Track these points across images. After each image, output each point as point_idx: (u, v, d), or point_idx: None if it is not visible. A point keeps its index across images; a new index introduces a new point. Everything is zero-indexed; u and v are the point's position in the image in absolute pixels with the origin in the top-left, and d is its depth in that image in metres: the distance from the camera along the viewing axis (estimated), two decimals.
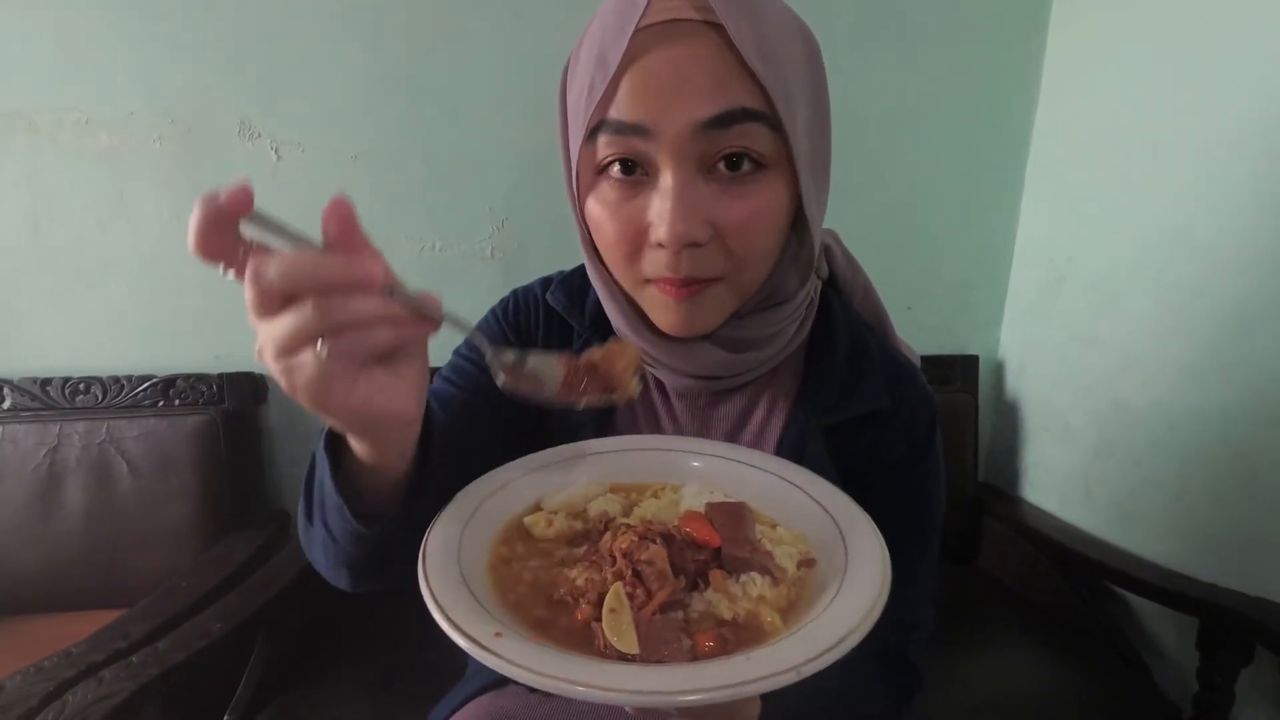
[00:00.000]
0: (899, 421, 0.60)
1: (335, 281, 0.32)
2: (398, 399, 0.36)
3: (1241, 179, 1.07)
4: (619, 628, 0.34)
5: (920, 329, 1.58)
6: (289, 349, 0.33)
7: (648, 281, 0.53)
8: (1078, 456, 1.40)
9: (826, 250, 0.67)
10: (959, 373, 1.56)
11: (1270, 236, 1.04)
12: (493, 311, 0.69)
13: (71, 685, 0.82)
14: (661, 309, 0.54)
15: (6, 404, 1.28)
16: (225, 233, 0.31)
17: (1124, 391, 1.29)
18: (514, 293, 0.69)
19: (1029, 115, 1.51)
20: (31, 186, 1.28)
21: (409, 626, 1.15)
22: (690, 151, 0.47)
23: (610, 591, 0.36)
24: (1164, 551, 1.21)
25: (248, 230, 0.32)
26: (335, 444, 0.43)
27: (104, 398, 1.31)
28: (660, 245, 0.49)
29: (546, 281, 0.69)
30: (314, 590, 1.08)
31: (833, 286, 0.68)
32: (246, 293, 0.32)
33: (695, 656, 0.35)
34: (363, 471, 0.43)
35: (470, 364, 0.63)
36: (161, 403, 1.32)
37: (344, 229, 0.34)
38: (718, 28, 0.45)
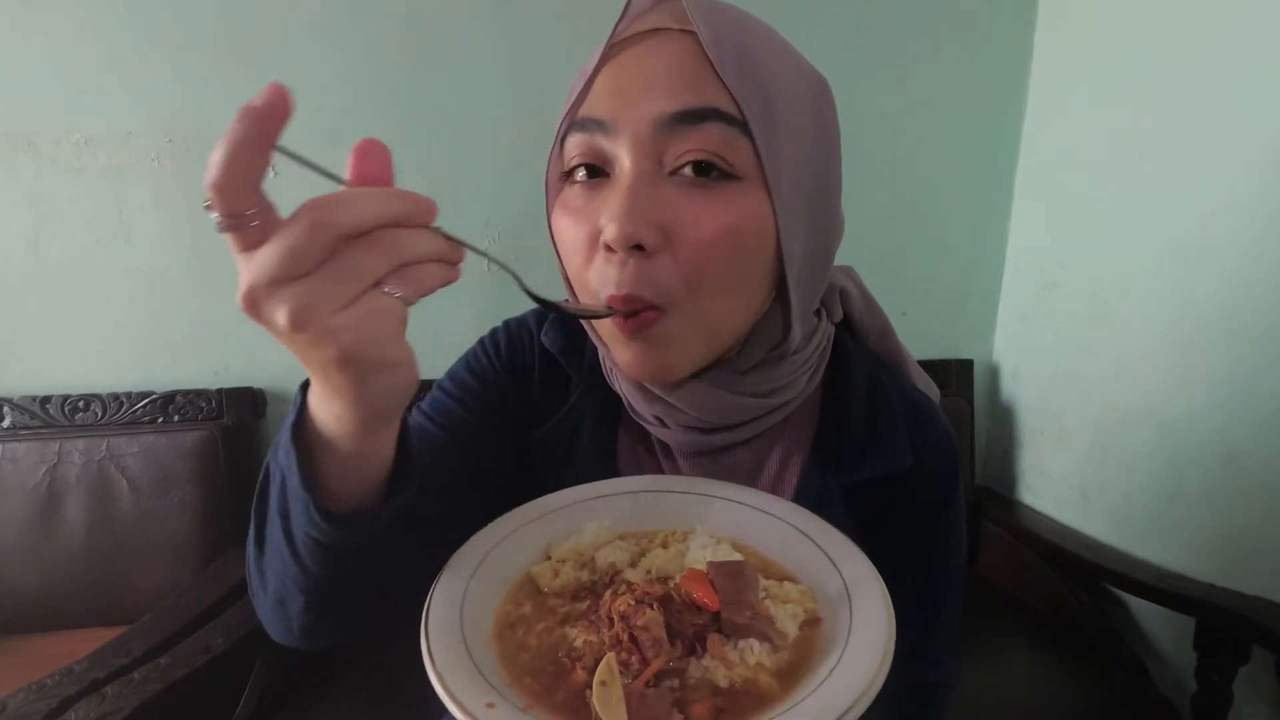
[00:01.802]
0: (920, 471, 0.56)
1: (409, 217, 0.30)
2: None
3: (1231, 186, 1.09)
4: (609, 702, 0.34)
5: (915, 335, 1.58)
6: (351, 296, 0.30)
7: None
8: (1073, 460, 1.42)
9: (842, 292, 0.61)
10: (954, 377, 1.57)
11: (1260, 242, 1.05)
12: (481, 344, 0.61)
13: (74, 702, 0.82)
14: (617, 345, 0.49)
15: (6, 422, 1.28)
16: (260, 156, 0.28)
17: (1117, 395, 1.30)
18: (505, 324, 0.62)
19: (1018, 122, 1.53)
20: (32, 206, 1.29)
21: (408, 641, 1.15)
22: (651, 149, 0.44)
23: (603, 663, 0.36)
24: (1160, 553, 1.22)
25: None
26: (300, 438, 0.38)
27: (103, 415, 1.31)
28: (609, 249, 0.44)
29: (541, 315, 0.61)
30: None
31: (846, 330, 0.63)
32: (293, 238, 0.28)
33: None
34: (335, 467, 0.38)
35: (454, 401, 0.57)
36: (161, 419, 1.32)
37: (382, 167, 0.32)
38: (694, 35, 0.44)
